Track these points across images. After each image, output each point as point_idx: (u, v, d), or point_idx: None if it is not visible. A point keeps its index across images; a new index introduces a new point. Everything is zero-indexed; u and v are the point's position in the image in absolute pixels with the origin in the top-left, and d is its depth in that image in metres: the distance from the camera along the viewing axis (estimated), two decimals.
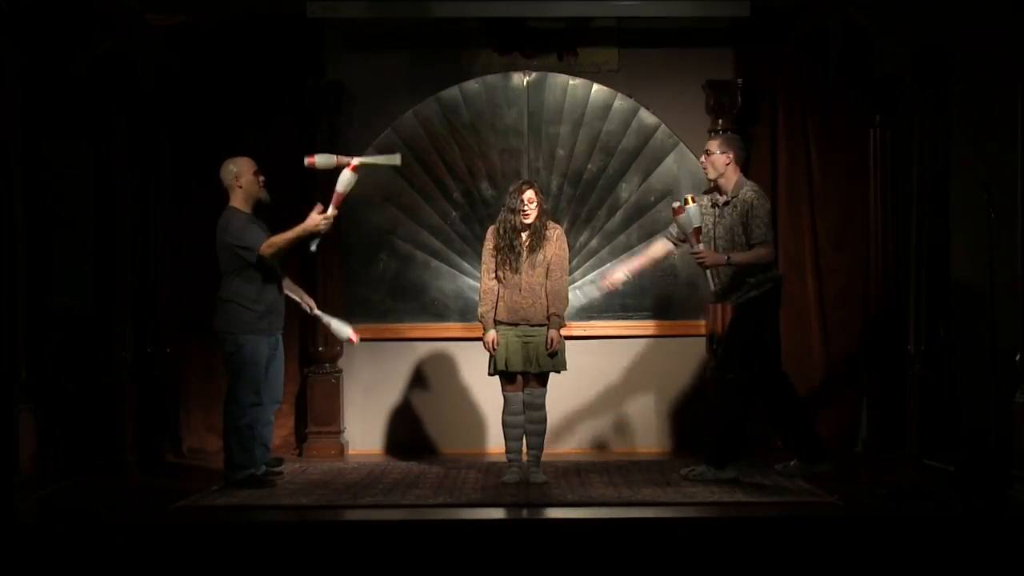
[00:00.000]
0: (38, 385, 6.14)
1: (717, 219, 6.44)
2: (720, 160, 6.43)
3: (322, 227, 6.25)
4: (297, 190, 7.40)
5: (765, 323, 6.45)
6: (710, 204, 6.48)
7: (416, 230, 7.75)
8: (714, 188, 6.50)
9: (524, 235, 6.43)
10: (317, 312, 6.76)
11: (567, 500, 6.03)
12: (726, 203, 6.41)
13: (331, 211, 6.25)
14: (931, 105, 7.15)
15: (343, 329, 6.65)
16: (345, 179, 6.24)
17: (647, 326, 7.72)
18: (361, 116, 7.70)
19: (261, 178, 6.45)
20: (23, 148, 6.00)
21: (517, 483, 6.41)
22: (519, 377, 6.44)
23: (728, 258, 6.30)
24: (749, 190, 6.38)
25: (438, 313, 7.75)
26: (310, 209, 6.08)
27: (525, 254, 6.42)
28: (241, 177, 6.40)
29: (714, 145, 6.50)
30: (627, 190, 7.74)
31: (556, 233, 6.50)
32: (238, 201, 6.41)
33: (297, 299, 6.71)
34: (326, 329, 6.87)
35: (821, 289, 7.59)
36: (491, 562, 5.24)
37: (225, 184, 6.42)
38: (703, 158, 6.53)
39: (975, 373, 6.59)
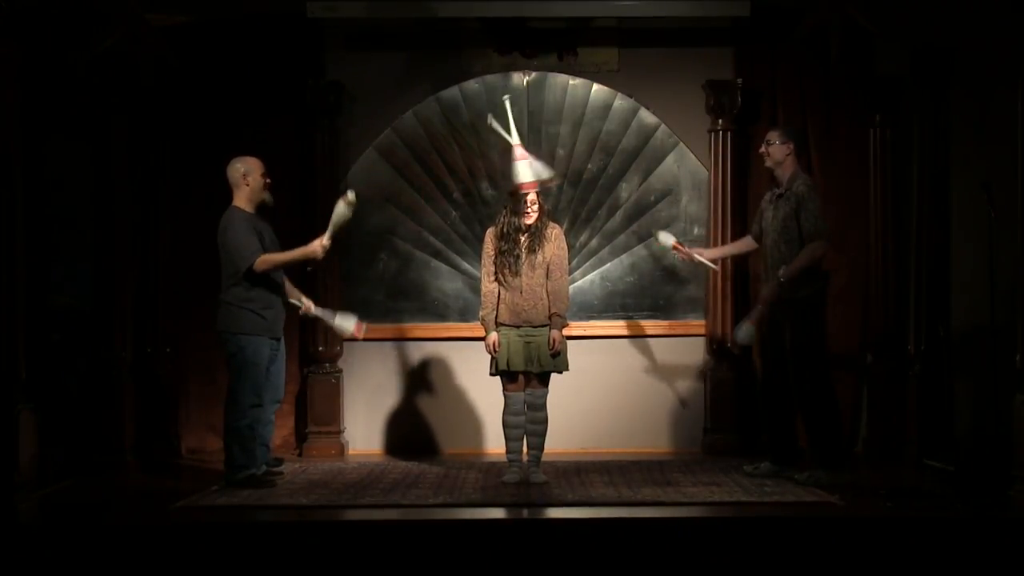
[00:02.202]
0: (38, 385, 6.13)
1: (774, 211, 6.46)
2: (780, 151, 6.44)
3: (320, 255, 6.37)
4: (296, 190, 7.42)
5: (820, 323, 6.46)
6: (769, 198, 6.53)
7: (416, 230, 7.74)
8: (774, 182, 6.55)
9: (524, 236, 6.43)
10: (316, 311, 6.69)
11: (567, 500, 6.03)
12: (780, 195, 6.43)
13: (327, 240, 6.32)
14: (931, 105, 7.16)
15: (345, 324, 6.57)
16: (338, 211, 6.28)
17: (647, 326, 7.72)
18: (361, 116, 7.69)
19: (267, 180, 6.44)
20: (23, 148, 5.99)
21: (517, 483, 6.40)
22: (520, 377, 6.44)
23: (780, 277, 6.31)
24: (802, 184, 6.38)
25: (438, 313, 7.74)
26: (309, 209, 6.12)
27: (524, 255, 6.41)
28: (249, 176, 6.39)
29: (775, 135, 6.52)
30: (627, 190, 7.73)
31: (555, 233, 6.49)
32: (242, 200, 6.40)
33: (296, 302, 6.65)
34: (327, 326, 6.82)
35: None
36: (491, 562, 5.24)
37: (231, 182, 6.41)
38: (763, 147, 6.54)
39: (975, 373, 6.59)
